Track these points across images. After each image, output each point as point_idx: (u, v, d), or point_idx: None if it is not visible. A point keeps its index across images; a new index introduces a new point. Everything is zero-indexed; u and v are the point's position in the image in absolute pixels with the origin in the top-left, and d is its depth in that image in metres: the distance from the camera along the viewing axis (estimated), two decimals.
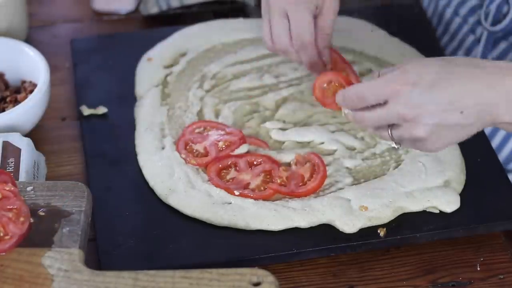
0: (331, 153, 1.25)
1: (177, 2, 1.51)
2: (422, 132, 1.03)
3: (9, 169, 1.17)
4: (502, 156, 1.40)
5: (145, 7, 1.52)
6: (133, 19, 1.54)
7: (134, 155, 1.26)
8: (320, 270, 1.15)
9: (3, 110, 1.28)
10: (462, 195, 1.19)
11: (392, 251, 1.17)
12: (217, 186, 1.20)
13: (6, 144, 1.20)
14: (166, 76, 1.37)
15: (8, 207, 1.06)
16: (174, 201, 1.19)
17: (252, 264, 1.10)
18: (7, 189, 1.08)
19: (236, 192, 1.19)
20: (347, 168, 1.23)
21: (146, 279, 1.01)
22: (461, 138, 1.05)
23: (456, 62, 1.04)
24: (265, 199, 1.18)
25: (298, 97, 1.33)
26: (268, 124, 1.29)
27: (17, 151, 1.19)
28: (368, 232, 1.16)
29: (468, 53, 1.46)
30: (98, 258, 1.13)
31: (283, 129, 1.28)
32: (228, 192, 1.19)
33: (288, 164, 1.23)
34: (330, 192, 1.19)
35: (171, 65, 1.39)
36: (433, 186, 1.19)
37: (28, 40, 1.45)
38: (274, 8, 1.22)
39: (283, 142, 1.27)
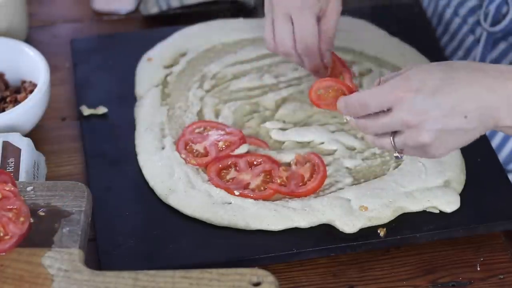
0: (331, 153, 1.25)
1: (177, 2, 1.51)
2: (426, 138, 1.02)
3: (9, 169, 1.17)
4: (502, 156, 1.40)
5: (145, 7, 1.52)
6: (133, 19, 1.54)
7: (134, 155, 1.26)
8: (320, 270, 1.15)
9: (3, 110, 1.28)
10: (462, 195, 1.19)
11: (392, 251, 1.17)
12: (217, 186, 1.20)
13: (6, 144, 1.20)
14: (166, 76, 1.37)
15: (8, 207, 1.06)
16: (174, 201, 1.19)
17: (252, 264, 1.10)
18: (7, 189, 1.07)
19: (236, 192, 1.19)
20: (347, 168, 1.23)
21: (146, 279, 1.00)
22: (464, 143, 1.05)
23: (457, 67, 1.03)
24: (265, 199, 1.18)
25: (298, 97, 1.33)
26: (268, 124, 1.29)
27: (17, 151, 1.19)
28: (368, 232, 1.15)
29: (467, 53, 1.46)
30: (98, 258, 1.13)
31: (283, 129, 1.28)
32: (228, 192, 1.19)
33: (288, 164, 1.23)
34: (330, 192, 1.19)
35: (171, 65, 1.39)
36: (433, 186, 1.19)
37: (28, 40, 1.45)
38: (277, 9, 1.21)
39: (283, 142, 1.27)
